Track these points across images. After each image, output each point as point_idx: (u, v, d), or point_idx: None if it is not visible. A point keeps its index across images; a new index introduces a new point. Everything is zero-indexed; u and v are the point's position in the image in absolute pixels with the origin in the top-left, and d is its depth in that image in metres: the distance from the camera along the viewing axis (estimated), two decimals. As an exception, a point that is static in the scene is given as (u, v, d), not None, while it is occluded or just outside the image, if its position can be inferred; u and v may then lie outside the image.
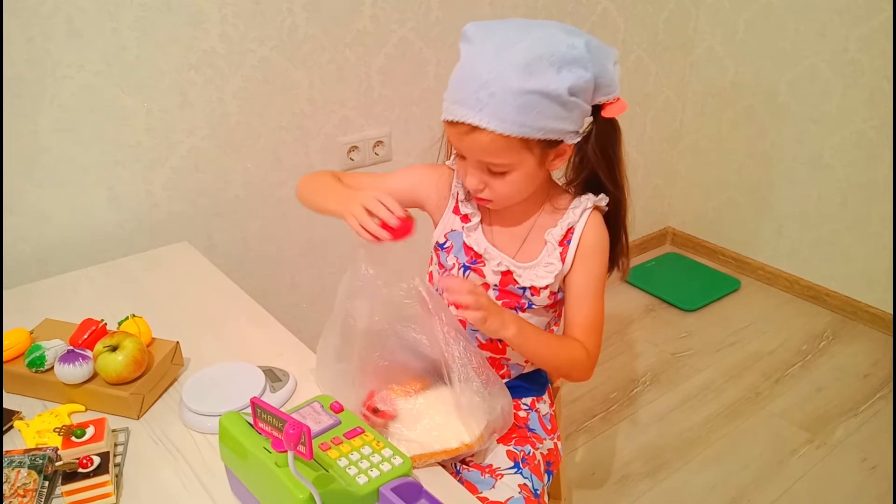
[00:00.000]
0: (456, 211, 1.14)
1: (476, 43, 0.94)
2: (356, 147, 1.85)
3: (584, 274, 1.08)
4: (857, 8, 2.15)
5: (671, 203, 2.94)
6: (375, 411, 0.94)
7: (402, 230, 0.98)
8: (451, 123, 0.96)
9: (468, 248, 1.12)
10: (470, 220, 1.12)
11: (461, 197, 1.13)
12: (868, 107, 2.21)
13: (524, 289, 1.09)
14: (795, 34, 2.33)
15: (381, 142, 1.89)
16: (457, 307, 0.95)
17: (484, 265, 1.10)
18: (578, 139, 1.00)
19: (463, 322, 0.98)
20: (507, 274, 1.09)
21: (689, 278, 2.73)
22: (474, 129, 0.93)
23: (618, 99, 1.01)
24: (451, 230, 1.14)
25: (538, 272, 1.08)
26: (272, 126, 1.70)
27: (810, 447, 1.91)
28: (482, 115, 0.91)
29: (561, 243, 1.07)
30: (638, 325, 2.45)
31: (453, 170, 1.14)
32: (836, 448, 1.90)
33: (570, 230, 1.07)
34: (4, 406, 1.01)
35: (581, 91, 0.94)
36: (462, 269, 1.13)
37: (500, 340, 1.12)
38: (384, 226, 0.97)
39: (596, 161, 1.04)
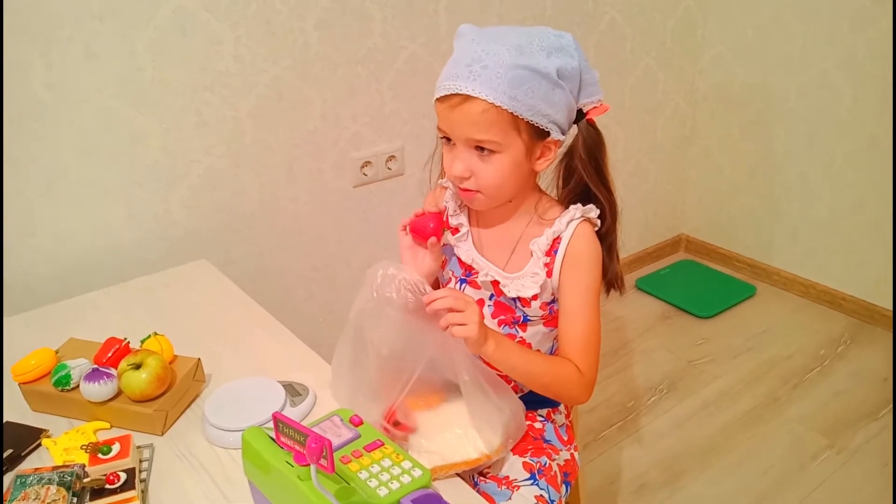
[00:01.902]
0: (445, 224, 1.14)
1: (469, 36, 0.98)
2: (369, 162, 1.87)
3: (575, 287, 1.06)
4: (866, 12, 2.15)
5: (684, 210, 2.94)
6: (396, 424, 0.95)
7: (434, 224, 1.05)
8: (442, 100, 0.98)
9: (461, 262, 1.13)
10: (459, 231, 1.13)
11: (451, 210, 1.14)
12: (879, 111, 2.21)
13: (514, 300, 1.09)
14: (804, 40, 2.33)
15: (393, 156, 1.91)
16: (438, 311, 0.94)
17: (477, 276, 1.11)
18: (564, 137, 1.01)
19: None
20: (495, 284, 1.10)
21: (703, 285, 2.72)
22: (466, 99, 0.95)
23: (601, 103, 1.03)
24: (444, 244, 1.14)
25: (524, 282, 1.07)
26: (286, 143, 1.72)
27: (830, 453, 1.90)
28: (475, 84, 0.93)
29: (547, 254, 1.06)
30: (653, 333, 2.45)
31: (446, 188, 1.16)
32: (856, 453, 1.89)
33: (556, 240, 1.06)
34: (32, 425, 1.03)
35: (568, 77, 0.97)
36: (459, 282, 1.14)
37: None
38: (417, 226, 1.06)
39: (583, 168, 1.05)
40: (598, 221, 1.08)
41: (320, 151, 1.79)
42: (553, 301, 1.10)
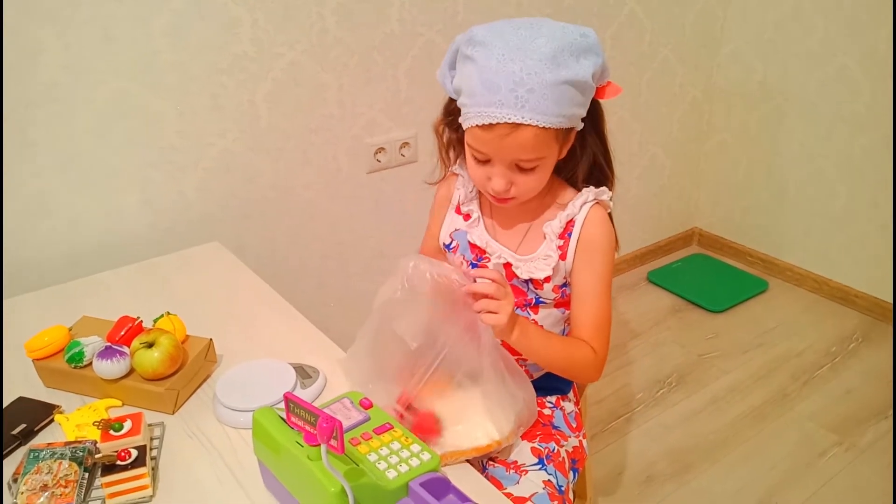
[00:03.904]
0: (457, 210, 1.16)
1: (492, 46, 0.93)
2: (383, 149, 1.87)
3: (589, 271, 1.08)
4: (887, 6, 2.12)
5: (698, 204, 2.93)
6: (409, 408, 0.95)
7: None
8: (485, 128, 0.95)
9: (473, 246, 1.13)
10: (471, 217, 1.14)
11: (461, 197, 1.15)
12: (899, 106, 2.19)
13: (526, 282, 1.10)
14: (825, 34, 2.31)
15: (407, 143, 1.91)
16: (478, 296, 0.94)
17: (489, 261, 1.11)
18: (581, 126, 1.01)
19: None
20: (507, 266, 1.10)
21: (715, 279, 2.71)
22: (516, 127, 0.93)
23: (609, 82, 1.02)
24: (455, 229, 1.16)
25: (537, 264, 1.08)
26: (301, 129, 1.72)
27: (839, 450, 1.89)
28: (524, 111, 0.92)
29: (561, 236, 1.07)
30: (664, 326, 2.44)
31: (456, 175, 1.17)
32: (865, 451, 1.88)
33: (569, 223, 1.07)
34: (45, 401, 1.04)
35: (597, 77, 0.97)
36: (470, 266, 1.14)
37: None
38: None
39: (594, 144, 1.06)
40: (611, 204, 1.09)
41: (335, 137, 1.79)
42: (565, 284, 1.11)
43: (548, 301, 1.12)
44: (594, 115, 1.04)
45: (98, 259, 1.52)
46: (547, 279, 1.08)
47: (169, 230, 1.61)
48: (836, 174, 2.42)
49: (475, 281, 0.95)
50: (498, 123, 0.93)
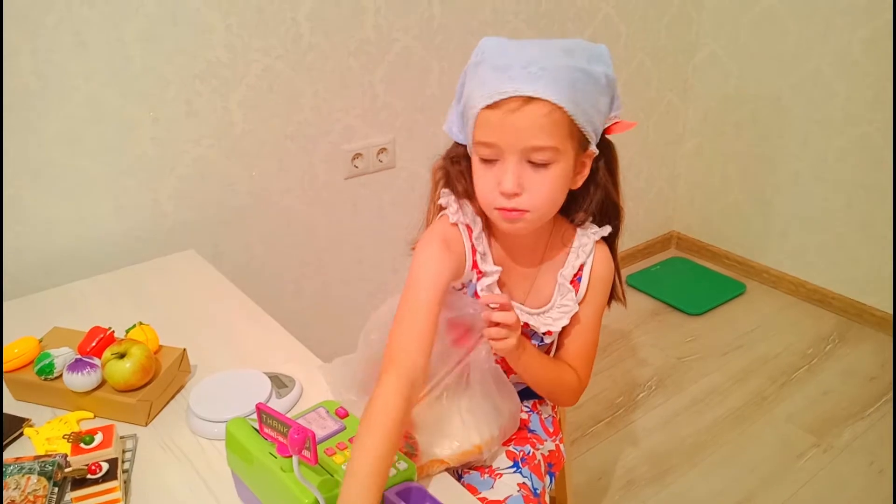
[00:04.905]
0: (475, 266, 1.05)
1: (504, 43, 0.93)
2: (360, 154, 1.86)
3: (591, 306, 1.09)
4: (860, 10, 2.16)
5: (675, 207, 2.95)
6: None
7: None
8: (494, 106, 0.89)
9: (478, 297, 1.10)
10: (486, 275, 1.04)
11: (480, 250, 1.04)
12: (872, 109, 2.22)
13: (537, 333, 1.09)
14: (798, 37, 2.33)
15: (384, 149, 1.90)
16: (494, 325, 0.95)
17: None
18: (596, 152, 0.99)
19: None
20: (524, 325, 1.07)
21: (694, 282, 2.73)
22: (528, 101, 0.87)
23: (618, 119, 1.01)
24: (469, 280, 1.08)
25: (553, 315, 1.07)
26: (277, 134, 1.71)
27: (817, 451, 1.91)
28: (537, 84, 0.87)
29: (572, 282, 1.07)
30: (643, 330, 2.45)
31: (456, 225, 1.03)
32: (843, 451, 1.90)
33: (580, 267, 1.07)
34: (14, 414, 1.02)
35: (609, 84, 0.95)
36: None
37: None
38: None
39: (605, 180, 1.03)
40: (610, 239, 1.10)
41: (311, 143, 1.78)
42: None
43: (545, 343, 1.12)
44: (606, 153, 1.02)
45: (71, 268, 1.50)
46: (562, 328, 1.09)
47: (143, 238, 1.59)
48: (812, 176, 2.44)
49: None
50: (508, 98, 0.88)
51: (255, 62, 1.61)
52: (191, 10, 1.49)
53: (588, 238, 1.07)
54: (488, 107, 0.90)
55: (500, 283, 1.07)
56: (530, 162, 0.92)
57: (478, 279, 1.05)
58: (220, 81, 1.58)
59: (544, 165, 0.92)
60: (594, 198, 1.04)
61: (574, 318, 1.08)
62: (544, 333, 1.08)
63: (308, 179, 1.81)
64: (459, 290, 1.07)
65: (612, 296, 1.14)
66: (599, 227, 1.08)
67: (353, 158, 1.86)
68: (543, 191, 0.93)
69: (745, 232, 2.73)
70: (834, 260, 2.48)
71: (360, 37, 1.75)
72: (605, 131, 1.00)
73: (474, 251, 1.04)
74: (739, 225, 2.74)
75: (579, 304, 1.08)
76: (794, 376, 2.20)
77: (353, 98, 1.80)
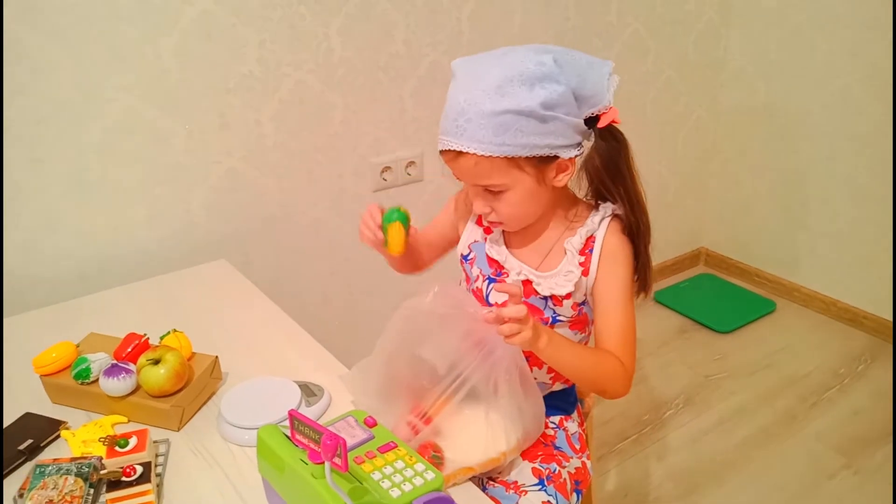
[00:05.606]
0: (478, 222, 1.17)
1: (458, 77, 0.99)
2: (389, 167, 1.88)
3: (612, 281, 1.07)
4: (889, 27, 2.13)
5: (704, 223, 2.93)
6: (425, 419, 0.95)
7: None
8: (441, 153, 1.02)
9: (491, 260, 1.13)
10: (492, 232, 1.14)
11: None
12: (904, 126, 2.19)
13: (545, 299, 1.09)
14: (827, 54, 2.32)
15: (413, 162, 1.92)
16: (503, 321, 0.93)
17: (507, 276, 1.11)
18: (578, 153, 1.01)
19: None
20: (527, 283, 1.10)
21: (722, 300, 2.71)
22: (459, 154, 0.98)
23: (610, 108, 1.01)
24: (474, 241, 1.17)
25: (558, 280, 1.08)
26: (307, 147, 1.74)
27: (847, 472, 1.87)
28: (462, 139, 0.96)
29: (582, 252, 1.07)
30: (671, 347, 2.43)
31: None
32: (873, 473, 1.86)
33: (590, 239, 1.07)
34: (52, 417, 1.04)
35: (557, 105, 0.95)
36: (487, 280, 1.14)
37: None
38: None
39: (596, 174, 1.04)
40: (632, 229, 1.09)
41: (340, 156, 1.80)
42: (584, 303, 1.11)
43: (564, 320, 1.11)
44: (602, 146, 1.02)
45: (105, 276, 1.53)
46: (567, 296, 1.08)
47: (176, 247, 1.62)
48: (842, 193, 2.42)
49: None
50: (445, 150, 1.00)
51: (287, 76, 1.64)
52: (225, 26, 1.52)
53: (600, 213, 1.08)
54: (440, 151, 1.02)
55: (513, 250, 1.13)
56: (487, 189, 1.02)
57: (485, 233, 1.16)
58: (253, 95, 1.61)
59: (499, 192, 1.02)
60: (591, 186, 1.07)
61: (599, 299, 1.08)
62: (551, 300, 1.09)
63: (337, 192, 1.83)
64: (468, 254, 1.17)
65: (639, 281, 1.12)
66: (626, 222, 1.08)
67: (382, 171, 1.88)
68: (508, 211, 1.04)
69: (775, 249, 2.70)
70: (866, 278, 2.44)
71: (390, 51, 1.78)
72: (598, 125, 1.01)
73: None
74: (769, 241, 2.72)
75: (596, 279, 1.08)
76: (824, 396, 2.17)
77: (383, 112, 1.82)
